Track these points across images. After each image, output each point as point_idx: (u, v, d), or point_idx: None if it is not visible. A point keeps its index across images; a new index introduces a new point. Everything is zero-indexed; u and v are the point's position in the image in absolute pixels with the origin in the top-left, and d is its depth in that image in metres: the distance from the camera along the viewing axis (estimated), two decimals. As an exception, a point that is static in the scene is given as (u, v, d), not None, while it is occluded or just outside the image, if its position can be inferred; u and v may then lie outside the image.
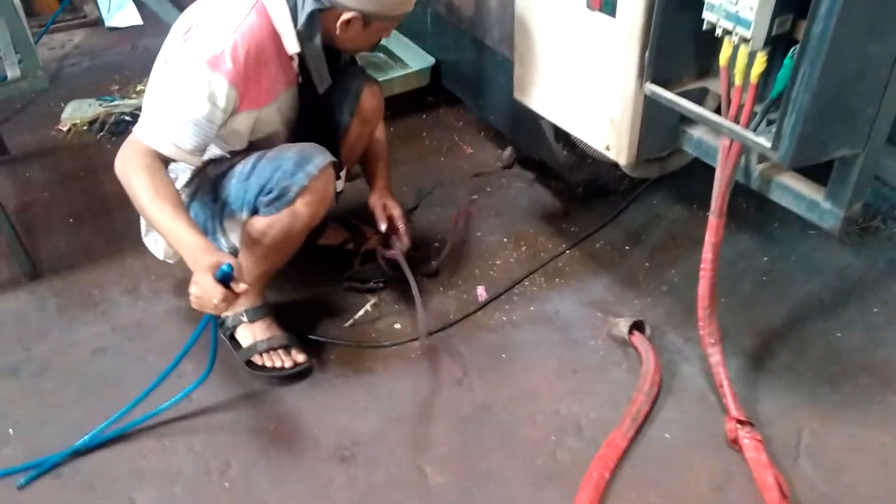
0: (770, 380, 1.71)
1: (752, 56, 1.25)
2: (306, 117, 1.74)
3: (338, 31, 1.59)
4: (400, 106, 2.66)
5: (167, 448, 1.60)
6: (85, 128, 2.79)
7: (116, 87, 3.08)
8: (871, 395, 1.67)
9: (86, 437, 1.59)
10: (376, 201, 1.95)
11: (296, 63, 1.62)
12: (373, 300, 1.93)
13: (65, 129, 2.80)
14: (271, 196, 1.59)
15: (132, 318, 1.94)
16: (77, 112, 2.88)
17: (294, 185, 1.57)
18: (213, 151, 1.69)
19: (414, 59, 2.73)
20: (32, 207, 2.38)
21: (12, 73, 1.97)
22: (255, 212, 1.64)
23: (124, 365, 1.80)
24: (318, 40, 1.58)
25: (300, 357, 1.75)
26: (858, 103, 1.23)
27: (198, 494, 1.51)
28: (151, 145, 1.47)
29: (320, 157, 1.59)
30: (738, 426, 1.54)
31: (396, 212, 1.93)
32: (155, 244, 1.82)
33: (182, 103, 1.47)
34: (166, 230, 1.42)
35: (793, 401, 1.66)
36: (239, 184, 1.63)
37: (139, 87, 3.06)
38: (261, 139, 1.70)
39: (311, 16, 1.54)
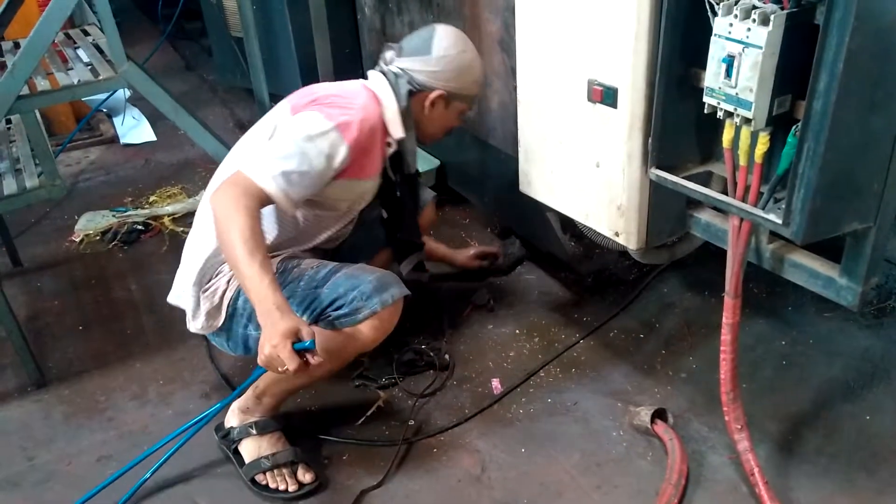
0: (802, 466, 1.64)
1: (754, 136, 1.28)
2: (378, 211, 1.92)
3: (425, 112, 1.77)
4: (407, 206, 2.71)
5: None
6: (97, 238, 2.84)
7: (130, 198, 3.16)
8: (909, 479, 1.60)
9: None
10: (465, 258, 2.34)
11: (389, 151, 1.77)
12: (384, 396, 1.89)
13: (77, 239, 2.85)
14: (341, 312, 1.59)
15: (139, 423, 1.90)
16: (90, 223, 2.93)
17: (366, 308, 1.58)
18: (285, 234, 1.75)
19: (420, 163, 2.81)
20: (43, 316, 2.37)
21: (31, 182, 2.02)
22: (314, 321, 1.63)
23: (129, 475, 1.73)
24: (411, 123, 1.77)
25: (307, 477, 1.68)
26: (865, 176, 1.25)
27: None
28: (263, 186, 1.52)
29: (397, 289, 1.63)
30: (775, 517, 1.47)
31: (478, 251, 2.38)
32: (195, 312, 1.72)
33: (302, 156, 1.56)
34: (250, 277, 1.41)
35: (828, 487, 1.58)
36: (308, 288, 1.63)
37: (152, 198, 3.13)
38: (332, 214, 1.79)
39: (406, 99, 1.73)
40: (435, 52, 1.72)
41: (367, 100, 1.68)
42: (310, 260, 1.73)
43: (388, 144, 1.76)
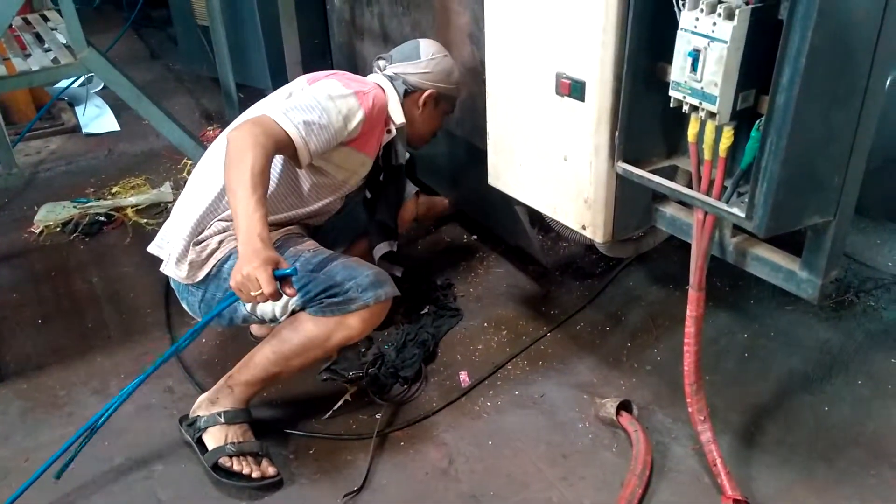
0: (763, 456, 1.67)
1: (719, 131, 1.30)
2: (363, 191, 2.02)
3: (419, 110, 1.96)
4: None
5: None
6: (58, 229, 2.77)
7: (92, 189, 3.09)
8: (865, 468, 1.63)
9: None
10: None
11: (387, 138, 1.89)
12: (352, 390, 1.87)
13: (37, 230, 2.78)
14: (335, 300, 1.60)
15: (100, 418, 1.86)
16: (50, 214, 2.86)
17: (360, 299, 1.60)
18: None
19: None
20: (0, 309, 2.31)
21: (-14, 171, 1.97)
22: (304, 305, 1.63)
23: (91, 468, 1.70)
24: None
25: (270, 470, 1.66)
26: (826, 171, 1.27)
27: None
28: (286, 129, 1.61)
29: (391, 288, 1.67)
30: (736, 506, 1.49)
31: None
32: (180, 260, 1.70)
33: (323, 111, 1.68)
34: (245, 208, 1.45)
35: (788, 477, 1.61)
36: (303, 271, 1.63)
37: (115, 189, 3.07)
38: (329, 184, 1.83)
39: (402, 98, 1.92)
40: (423, 55, 1.95)
41: (376, 84, 1.88)
42: (307, 242, 1.76)
43: (388, 131, 1.90)
